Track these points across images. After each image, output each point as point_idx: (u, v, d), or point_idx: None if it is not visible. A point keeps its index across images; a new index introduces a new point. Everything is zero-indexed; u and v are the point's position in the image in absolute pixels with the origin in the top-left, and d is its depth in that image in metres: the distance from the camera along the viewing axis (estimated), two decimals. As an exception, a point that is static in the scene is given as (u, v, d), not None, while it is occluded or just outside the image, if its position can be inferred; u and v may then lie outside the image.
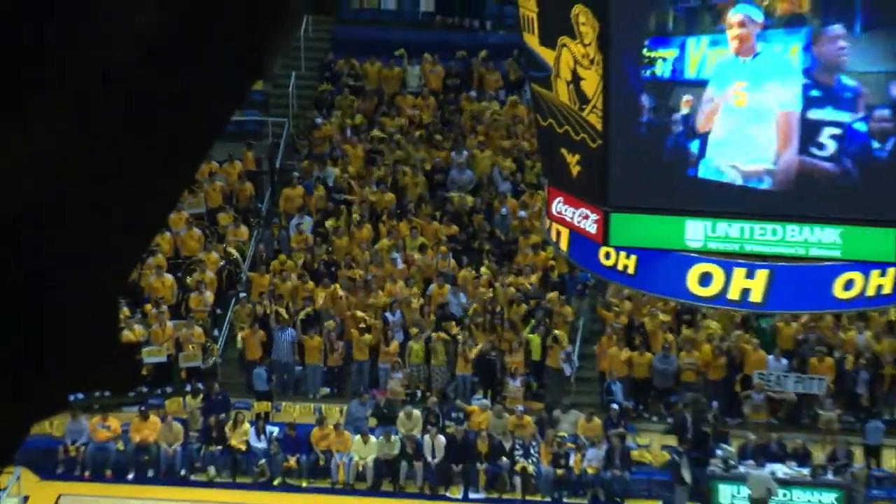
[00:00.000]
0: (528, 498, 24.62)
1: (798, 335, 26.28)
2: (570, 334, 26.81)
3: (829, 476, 23.87)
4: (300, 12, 2.09)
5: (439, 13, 34.46)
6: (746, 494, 23.52)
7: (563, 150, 14.05)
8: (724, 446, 24.42)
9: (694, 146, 13.28)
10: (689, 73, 13.07)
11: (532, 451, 24.72)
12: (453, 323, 26.80)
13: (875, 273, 13.44)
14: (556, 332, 26.23)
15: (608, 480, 24.47)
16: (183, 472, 25.12)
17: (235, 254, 28.71)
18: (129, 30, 1.86)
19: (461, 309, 27.17)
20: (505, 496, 24.68)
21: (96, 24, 1.85)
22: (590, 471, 24.54)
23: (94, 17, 1.85)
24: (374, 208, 29.56)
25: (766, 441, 24.40)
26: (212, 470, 25.14)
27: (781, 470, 23.75)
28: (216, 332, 27.64)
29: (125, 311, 25.64)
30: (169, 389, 26.51)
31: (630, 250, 14.06)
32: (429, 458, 24.81)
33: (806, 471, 23.89)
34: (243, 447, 25.17)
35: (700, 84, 13.10)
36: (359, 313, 26.77)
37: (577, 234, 14.26)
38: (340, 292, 27.20)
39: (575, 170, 13.99)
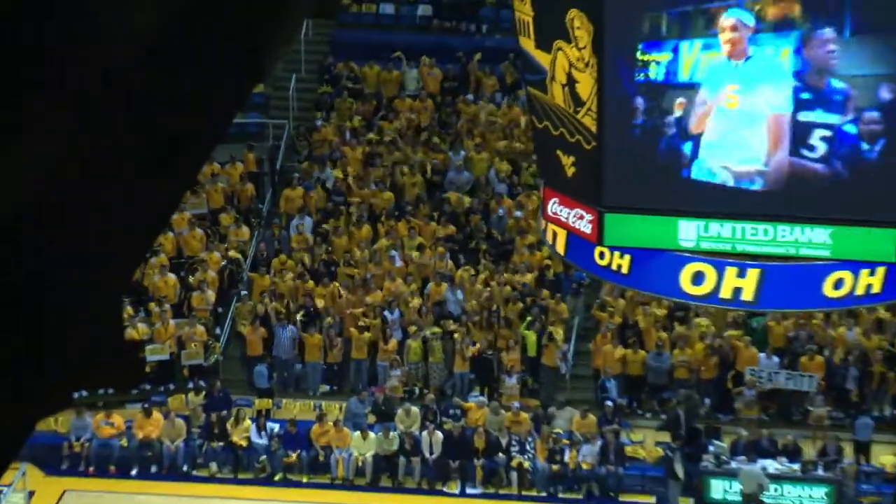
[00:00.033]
0: (523, 493, 24.73)
1: (788, 333, 26.34)
2: (566, 332, 26.91)
3: (820, 471, 23.97)
4: (300, 13, 2.08)
5: (437, 17, 34.45)
6: (738, 489, 23.65)
7: (559, 152, 14.08)
8: (717, 442, 24.53)
9: (687, 148, 13.29)
10: (683, 76, 13.05)
11: (528, 447, 24.82)
12: (451, 321, 26.90)
13: (864, 272, 13.49)
14: (552, 329, 26.30)
15: (602, 476, 24.58)
16: (185, 468, 25.23)
17: (238, 255, 28.88)
18: (129, 30, 1.85)
19: (459, 307, 27.30)
20: (501, 491, 24.81)
21: (96, 24, 1.83)
22: (584, 466, 24.64)
23: (94, 17, 1.83)
24: (373, 209, 29.71)
25: (757, 437, 24.49)
26: (213, 466, 25.26)
27: (772, 465, 23.84)
28: (218, 331, 27.73)
29: (129, 310, 25.67)
30: (171, 387, 26.65)
31: (624, 250, 14.07)
32: (427, 454, 24.93)
33: (796, 466, 23.98)
34: (244, 443, 25.31)
35: (693, 87, 13.10)
36: (356, 311, 26.89)
37: (572, 234, 14.27)
38: (340, 291, 27.34)
39: (570, 171, 14.01)
